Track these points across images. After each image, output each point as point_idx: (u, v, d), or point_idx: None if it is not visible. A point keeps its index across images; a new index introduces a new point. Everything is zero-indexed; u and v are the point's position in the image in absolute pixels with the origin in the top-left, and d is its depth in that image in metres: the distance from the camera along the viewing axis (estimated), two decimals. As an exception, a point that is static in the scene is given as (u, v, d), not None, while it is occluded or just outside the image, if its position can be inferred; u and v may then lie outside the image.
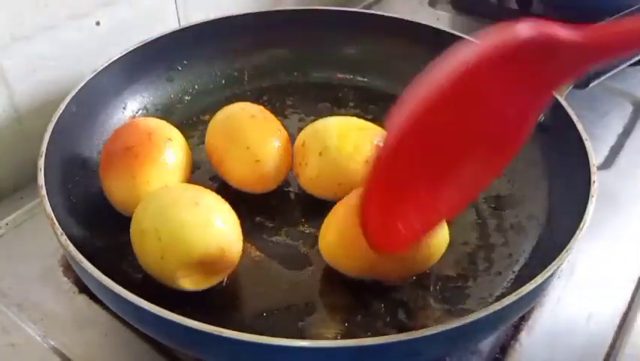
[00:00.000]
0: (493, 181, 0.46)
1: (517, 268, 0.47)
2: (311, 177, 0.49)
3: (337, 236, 0.43)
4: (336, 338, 0.41)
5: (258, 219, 0.50)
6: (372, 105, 0.60)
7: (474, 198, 0.41)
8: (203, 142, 0.53)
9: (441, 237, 0.43)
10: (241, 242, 0.43)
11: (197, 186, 0.44)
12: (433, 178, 0.36)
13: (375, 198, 0.36)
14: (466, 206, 0.42)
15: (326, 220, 0.44)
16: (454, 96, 0.33)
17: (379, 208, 0.37)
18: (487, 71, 0.32)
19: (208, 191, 0.44)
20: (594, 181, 0.44)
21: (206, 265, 0.41)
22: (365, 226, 0.37)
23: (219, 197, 0.43)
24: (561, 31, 0.31)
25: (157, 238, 0.40)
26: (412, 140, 0.34)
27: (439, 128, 0.34)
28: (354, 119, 0.51)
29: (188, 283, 0.41)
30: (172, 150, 0.48)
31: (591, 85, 0.55)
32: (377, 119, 0.53)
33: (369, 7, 0.89)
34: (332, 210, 0.45)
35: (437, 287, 0.45)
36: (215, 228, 0.41)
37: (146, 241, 0.41)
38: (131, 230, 0.43)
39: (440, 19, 0.85)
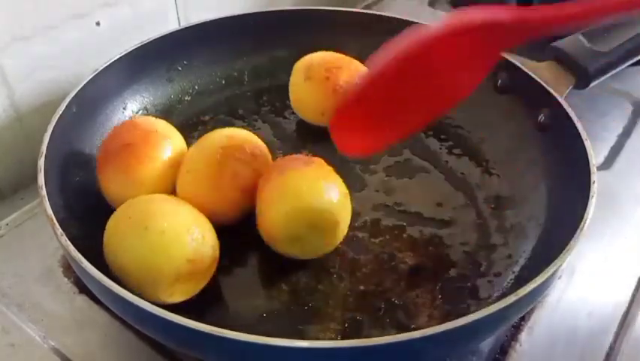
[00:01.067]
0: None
1: (517, 269, 0.47)
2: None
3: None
4: (336, 338, 0.42)
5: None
6: (372, 105, 0.59)
7: (428, 122, 0.49)
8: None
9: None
10: (210, 246, 0.42)
11: (158, 199, 0.43)
12: (397, 107, 0.45)
13: (348, 115, 0.45)
14: (419, 128, 0.54)
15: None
16: (416, 58, 0.43)
17: (350, 122, 0.45)
18: (442, 41, 0.42)
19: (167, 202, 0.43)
20: (594, 181, 0.44)
21: (182, 278, 0.40)
22: (336, 133, 0.45)
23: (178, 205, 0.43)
24: (497, 14, 0.39)
25: (127, 274, 0.40)
26: (384, 78, 0.44)
27: (405, 77, 0.43)
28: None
29: (176, 297, 0.41)
30: (169, 150, 0.48)
31: (591, 85, 0.55)
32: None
33: (369, 7, 0.89)
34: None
35: (437, 287, 0.45)
36: (173, 247, 0.40)
37: (120, 272, 0.40)
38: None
39: (440, 19, 0.85)
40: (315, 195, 0.43)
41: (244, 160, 0.47)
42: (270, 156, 0.49)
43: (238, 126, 0.55)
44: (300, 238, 0.44)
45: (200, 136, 0.57)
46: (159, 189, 0.46)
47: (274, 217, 0.43)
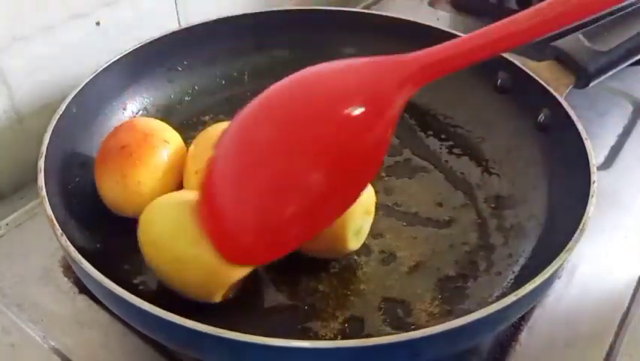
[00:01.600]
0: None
1: (517, 269, 0.47)
2: None
3: None
4: (336, 338, 0.42)
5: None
6: (372, 105, 0.60)
7: (327, 224, 0.37)
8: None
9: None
10: None
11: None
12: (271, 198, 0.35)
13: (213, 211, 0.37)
14: (324, 227, 0.38)
15: None
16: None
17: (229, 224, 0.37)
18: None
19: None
20: (594, 181, 0.44)
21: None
22: (211, 235, 0.37)
23: None
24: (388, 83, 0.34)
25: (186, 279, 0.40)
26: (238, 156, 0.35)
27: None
28: None
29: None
30: (167, 153, 0.48)
31: (591, 85, 0.55)
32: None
33: (369, 7, 0.89)
34: None
35: (437, 287, 0.45)
36: None
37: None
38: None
39: (440, 19, 0.85)
40: None
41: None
42: None
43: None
44: (360, 228, 0.45)
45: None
46: (156, 192, 0.46)
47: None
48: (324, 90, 0.35)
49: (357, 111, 0.33)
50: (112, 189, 0.47)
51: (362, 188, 0.36)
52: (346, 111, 0.33)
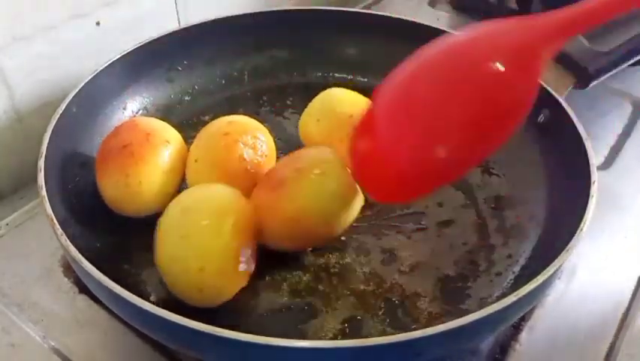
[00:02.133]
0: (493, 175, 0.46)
1: (517, 269, 0.47)
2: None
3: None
4: (336, 338, 0.42)
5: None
6: (372, 105, 0.60)
7: (474, 163, 0.43)
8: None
9: (335, 177, 0.44)
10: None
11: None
12: (429, 135, 0.40)
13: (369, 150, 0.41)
14: (465, 171, 0.46)
15: None
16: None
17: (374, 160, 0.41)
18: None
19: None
20: (594, 181, 0.44)
21: None
22: (361, 177, 0.43)
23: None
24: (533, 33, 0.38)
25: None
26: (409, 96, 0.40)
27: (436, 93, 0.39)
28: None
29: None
30: (168, 152, 0.48)
31: (591, 85, 0.55)
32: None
33: (369, 7, 0.89)
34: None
35: (437, 287, 0.45)
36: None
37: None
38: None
39: (440, 19, 0.85)
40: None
41: (248, 143, 0.48)
42: (270, 138, 0.51)
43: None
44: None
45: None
46: (157, 191, 0.46)
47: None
48: (481, 49, 0.40)
49: (505, 68, 0.38)
50: (113, 189, 0.47)
51: (507, 135, 0.39)
52: (496, 68, 0.38)
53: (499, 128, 0.39)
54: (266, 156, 0.49)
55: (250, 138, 0.48)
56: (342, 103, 0.53)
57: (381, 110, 0.41)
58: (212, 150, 0.48)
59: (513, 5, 0.83)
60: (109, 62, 0.55)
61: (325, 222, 0.44)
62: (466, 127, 0.39)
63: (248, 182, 0.46)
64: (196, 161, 0.48)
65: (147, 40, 0.58)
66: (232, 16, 0.64)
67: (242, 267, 0.41)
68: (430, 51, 0.41)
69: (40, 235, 0.51)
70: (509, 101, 0.39)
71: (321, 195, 0.43)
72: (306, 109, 0.55)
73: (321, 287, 0.45)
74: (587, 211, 0.42)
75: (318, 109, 0.54)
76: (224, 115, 0.61)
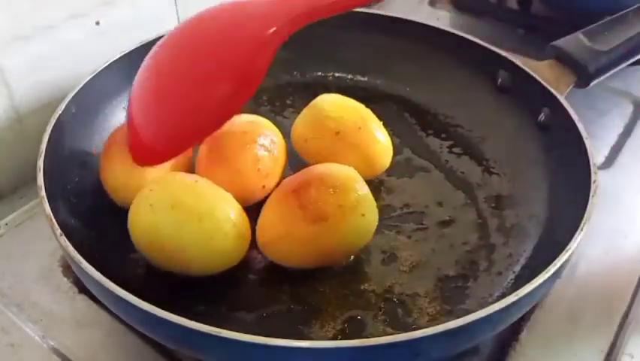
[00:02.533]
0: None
1: (517, 268, 0.46)
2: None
3: (276, 228, 0.44)
4: (336, 338, 0.41)
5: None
6: (372, 105, 0.59)
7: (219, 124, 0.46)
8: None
9: (372, 215, 0.45)
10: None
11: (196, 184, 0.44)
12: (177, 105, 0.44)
13: (136, 123, 0.46)
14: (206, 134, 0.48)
15: (262, 216, 0.45)
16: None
17: (139, 131, 0.46)
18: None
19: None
20: (594, 181, 0.44)
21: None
22: (130, 146, 0.47)
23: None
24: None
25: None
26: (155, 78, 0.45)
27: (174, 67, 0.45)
28: None
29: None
30: None
31: (592, 84, 0.55)
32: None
33: (369, 7, 0.89)
34: (267, 204, 0.45)
35: (437, 287, 0.45)
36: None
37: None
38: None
39: (440, 19, 0.85)
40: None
41: (264, 145, 0.49)
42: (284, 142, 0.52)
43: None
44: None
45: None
46: None
47: None
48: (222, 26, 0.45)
49: (241, 44, 0.43)
50: (117, 177, 0.47)
51: (241, 103, 0.44)
52: (233, 42, 0.43)
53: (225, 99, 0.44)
54: (276, 159, 0.50)
55: (267, 140, 0.49)
56: (330, 117, 0.52)
57: (135, 89, 0.46)
58: (227, 146, 0.48)
59: (513, 5, 0.83)
60: (109, 62, 0.55)
61: (352, 252, 0.47)
62: (196, 94, 0.43)
63: (255, 181, 0.48)
64: (210, 152, 0.49)
65: (147, 40, 0.58)
66: (232, 16, 0.63)
67: None
68: (178, 27, 0.47)
69: (40, 234, 0.51)
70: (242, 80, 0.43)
71: (361, 233, 0.45)
72: (297, 120, 0.54)
73: (321, 287, 0.45)
74: (587, 211, 0.42)
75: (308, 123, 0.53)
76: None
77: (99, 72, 0.54)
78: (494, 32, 0.78)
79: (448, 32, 0.62)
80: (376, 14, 0.68)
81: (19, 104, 0.56)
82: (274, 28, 0.42)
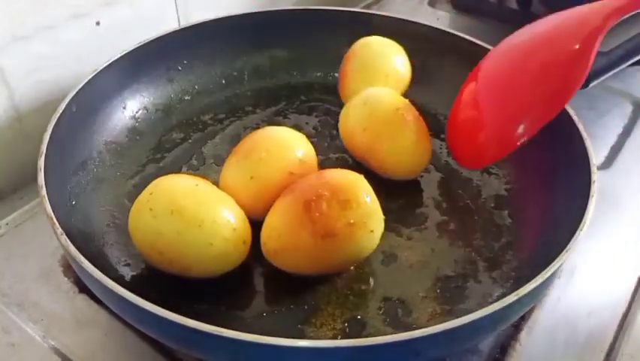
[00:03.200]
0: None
1: (517, 268, 0.47)
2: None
3: (283, 238, 0.43)
4: (336, 338, 0.42)
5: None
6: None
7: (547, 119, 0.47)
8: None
9: (379, 229, 0.44)
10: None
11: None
12: (511, 104, 0.48)
13: (464, 119, 0.51)
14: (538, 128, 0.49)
15: (269, 222, 0.44)
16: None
17: (467, 127, 0.50)
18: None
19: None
20: (594, 181, 0.44)
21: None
22: (453, 145, 0.52)
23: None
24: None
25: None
26: (496, 75, 0.50)
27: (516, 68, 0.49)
28: None
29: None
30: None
31: (591, 85, 0.55)
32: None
33: (369, 7, 0.89)
34: (274, 208, 0.44)
35: (437, 287, 0.45)
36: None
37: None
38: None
39: (440, 19, 0.85)
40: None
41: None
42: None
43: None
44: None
45: (199, 135, 0.58)
46: None
47: None
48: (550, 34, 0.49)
49: (569, 47, 0.47)
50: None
51: (569, 96, 0.47)
52: (561, 48, 0.48)
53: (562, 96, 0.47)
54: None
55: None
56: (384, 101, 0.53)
57: (482, 86, 0.50)
58: (270, 178, 0.46)
59: (513, 5, 0.83)
60: (109, 62, 0.55)
61: (356, 263, 0.46)
62: (540, 97, 0.47)
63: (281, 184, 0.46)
64: (237, 161, 0.47)
65: (147, 40, 0.58)
66: (232, 16, 0.64)
67: None
68: (517, 35, 0.51)
69: (40, 234, 0.51)
70: (573, 74, 0.47)
71: (367, 247, 0.45)
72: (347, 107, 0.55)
73: (321, 287, 0.45)
74: (587, 211, 0.42)
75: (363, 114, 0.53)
76: (224, 115, 0.62)
77: (99, 72, 0.54)
78: (494, 32, 0.78)
79: (448, 32, 0.62)
80: (376, 14, 0.68)
81: (19, 104, 0.56)
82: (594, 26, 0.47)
